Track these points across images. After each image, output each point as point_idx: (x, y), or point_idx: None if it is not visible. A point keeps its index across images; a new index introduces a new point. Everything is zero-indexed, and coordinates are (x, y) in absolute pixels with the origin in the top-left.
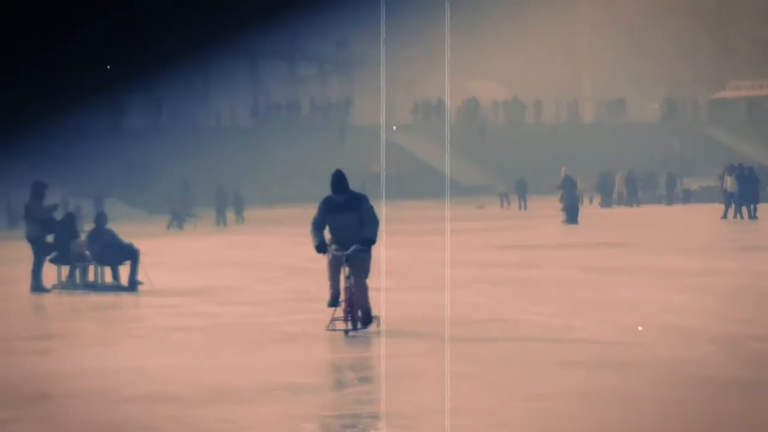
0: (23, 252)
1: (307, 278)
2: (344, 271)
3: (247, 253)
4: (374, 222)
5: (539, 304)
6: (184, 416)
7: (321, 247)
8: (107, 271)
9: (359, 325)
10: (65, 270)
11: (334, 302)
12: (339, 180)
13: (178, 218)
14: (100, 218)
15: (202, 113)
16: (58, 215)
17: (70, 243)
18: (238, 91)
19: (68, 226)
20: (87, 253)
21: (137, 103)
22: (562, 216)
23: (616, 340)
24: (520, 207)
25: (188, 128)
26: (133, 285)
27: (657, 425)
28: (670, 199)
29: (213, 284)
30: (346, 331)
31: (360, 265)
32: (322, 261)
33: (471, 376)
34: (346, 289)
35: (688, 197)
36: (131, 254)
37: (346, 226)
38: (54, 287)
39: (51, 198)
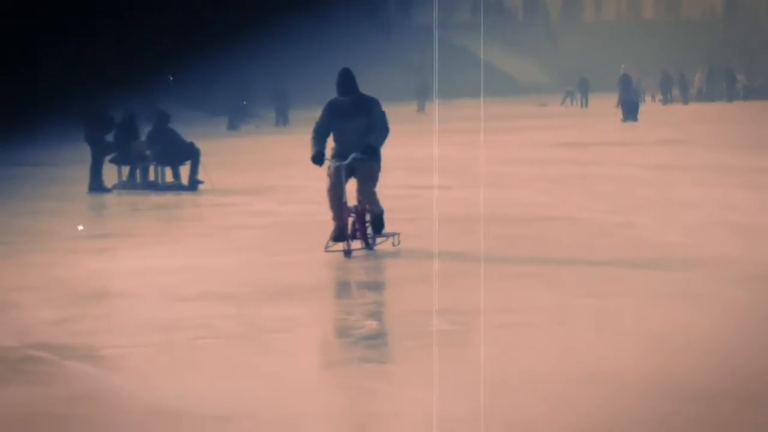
0: (82, 153)
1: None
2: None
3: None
4: (383, 129)
5: (599, 202)
6: (242, 315)
7: (318, 158)
8: (167, 171)
9: (371, 240)
10: (125, 170)
11: (339, 235)
12: (346, 79)
13: (238, 118)
14: (162, 118)
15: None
16: (118, 116)
17: (130, 143)
18: None
19: (128, 126)
20: (147, 152)
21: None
22: (620, 113)
23: (678, 238)
24: (582, 105)
25: (248, 27)
26: (193, 184)
27: (724, 324)
28: (731, 96)
29: (273, 183)
30: (347, 252)
31: (366, 174)
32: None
33: (530, 274)
34: (353, 207)
35: (749, 94)
36: (192, 153)
37: (353, 134)
38: (114, 187)
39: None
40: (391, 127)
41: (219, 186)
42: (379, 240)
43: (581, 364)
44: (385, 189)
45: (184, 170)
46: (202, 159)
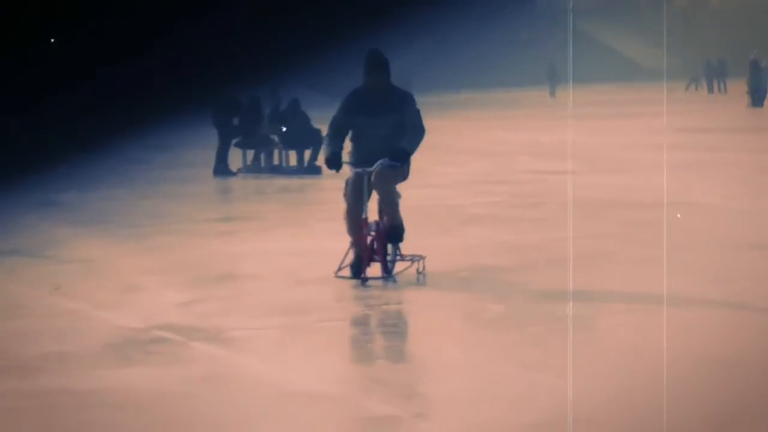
0: (211, 137)
1: (492, 161)
2: (365, 198)
3: (429, 137)
4: (418, 131)
5: (722, 187)
6: (368, 297)
7: (334, 160)
8: (292, 155)
9: (391, 264)
10: (250, 154)
11: (355, 272)
12: (376, 62)
13: None
14: (294, 103)
15: None
16: (244, 101)
17: (255, 127)
18: None
19: (254, 111)
20: (273, 137)
21: None
22: (747, 99)
23: None
24: (709, 90)
25: (368, 11)
26: (313, 168)
27: None
28: None
29: None
30: (364, 279)
31: (392, 184)
32: (505, 143)
33: (653, 258)
34: (366, 222)
35: None
36: (316, 139)
37: (379, 134)
38: (239, 171)
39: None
40: (521, 111)
41: (343, 170)
42: (398, 266)
43: (710, 348)
44: (511, 174)
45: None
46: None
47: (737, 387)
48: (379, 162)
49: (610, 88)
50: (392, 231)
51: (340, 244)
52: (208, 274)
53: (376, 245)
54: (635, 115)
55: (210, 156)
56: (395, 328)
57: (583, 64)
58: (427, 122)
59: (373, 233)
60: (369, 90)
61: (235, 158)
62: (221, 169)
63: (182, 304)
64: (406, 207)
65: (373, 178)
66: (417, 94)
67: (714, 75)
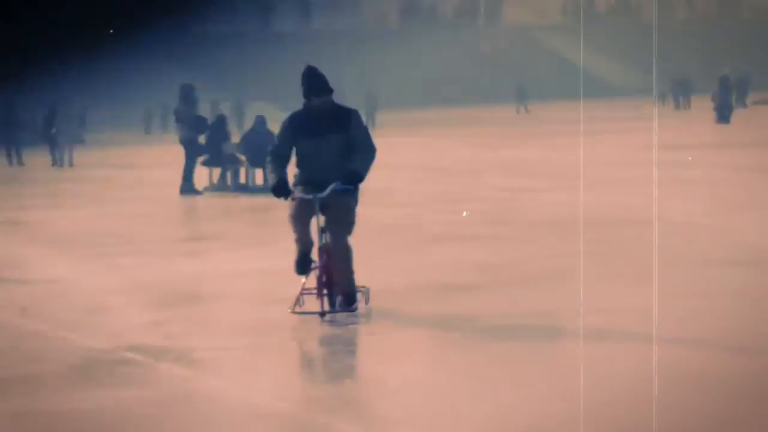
0: (176, 155)
1: (454, 179)
2: (317, 222)
3: (395, 155)
4: (368, 150)
5: (693, 204)
6: (334, 316)
7: (280, 188)
8: (258, 173)
9: (339, 305)
10: (216, 172)
11: (302, 267)
12: (315, 80)
13: None
14: (258, 121)
15: (350, 16)
16: (210, 118)
17: (222, 145)
18: None
19: (220, 129)
20: (238, 155)
21: (287, 6)
22: (713, 115)
23: None
24: (675, 106)
25: (336, 33)
26: None
27: None
28: None
29: (365, 186)
30: (321, 314)
31: (341, 215)
32: (467, 161)
33: (624, 275)
34: (321, 250)
35: None
36: None
37: (324, 156)
38: (205, 189)
39: (202, 101)
40: (491, 128)
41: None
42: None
43: (678, 364)
44: (479, 191)
45: None
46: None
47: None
48: (330, 186)
49: (577, 104)
50: (347, 298)
51: None
52: (174, 294)
53: (328, 277)
54: (603, 132)
55: (177, 174)
56: (361, 347)
57: (550, 81)
58: (395, 139)
59: (324, 266)
60: (312, 111)
61: (202, 177)
62: (187, 187)
63: (149, 324)
64: (372, 227)
65: (324, 207)
66: (386, 110)
67: (679, 91)
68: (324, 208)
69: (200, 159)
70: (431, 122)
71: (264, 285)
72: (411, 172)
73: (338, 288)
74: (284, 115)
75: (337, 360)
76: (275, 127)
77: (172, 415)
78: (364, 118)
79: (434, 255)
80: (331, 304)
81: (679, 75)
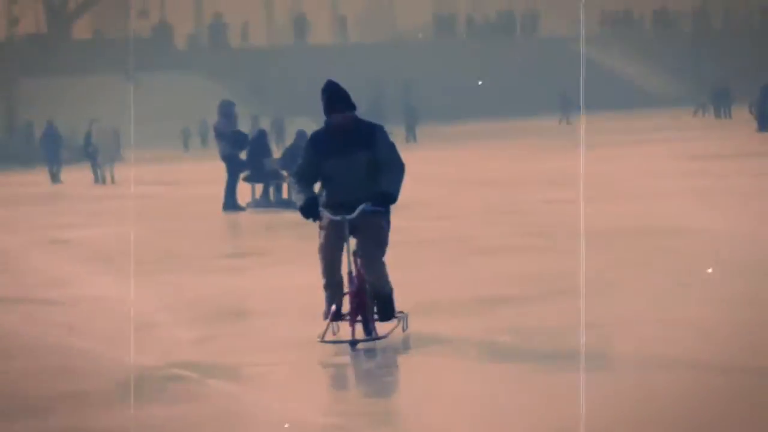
0: (217, 172)
1: (500, 192)
2: (348, 248)
3: (434, 167)
4: (397, 168)
5: (733, 213)
6: (381, 327)
7: (310, 208)
8: None
9: (374, 330)
10: (259, 188)
11: (334, 309)
12: (335, 97)
13: None
14: (300, 135)
15: (384, 26)
16: (250, 134)
17: (263, 161)
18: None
19: (261, 144)
20: (280, 170)
21: (324, 20)
22: (755, 125)
23: None
24: (716, 115)
25: (374, 46)
26: None
27: None
28: None
29: (406, 200)
30: (353, 343)
31: (372, 237)
32: (512, 168)
33: (664, 286)
34: (351, 275)
35: None
36: None
37: (350, 175)
38: (248, 205)
39: (242, 117)
40: (531, 140)
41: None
42: (382, 327)
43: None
44: (521, 203)
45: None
46: None
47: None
48: (360, 207)
49: (619, 115)
50: (383, 303)
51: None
52: (220, 310)
53: (356, 303)
54: (646, 142)
55: (219, 190)
56: (405, 360)
57: (590, 92)
58: (433, 152)
59: (355, 289)
60: (334, 128)
61: (244, 193)
62: (230, 203)
63: (195, 340)
64: (414, 240)
65: (354, 229)
66: (425, 123)
67: (719, 101)
68: (354, 231)
69: (242, 175)
70: (471, 135)
71: (309, 300)
72: (452, 184)
73: (376, 299)
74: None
75: (381, 375)
76: None
77: (220, 431)
78: (403, 132)
79: (477, 268)
80: (366, 331)
81: (719, 85)
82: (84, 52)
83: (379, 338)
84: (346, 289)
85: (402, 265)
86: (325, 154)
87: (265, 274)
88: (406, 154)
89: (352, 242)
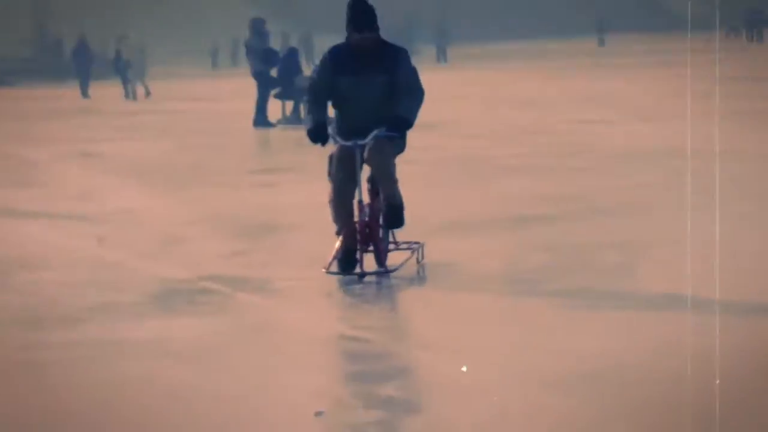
0: (248, 89)
1: (531, 112)
2: (357, 173)
3: (467, 86)
4: (416, 93)
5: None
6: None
7: (318, 132)
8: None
9: (385, 262)
10: (289, 105)
11: (346, 268)
12: (362, 12)
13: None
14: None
15: None
16: (281, 51)
17: (294, 78)
18: None
19: (291, 61)
20: None
21: None
22: None
23: None
24: (748, 39)
25: None
26: None
27: None
28: None
29: (436, 118)
30: (361, 275)
31: (386, 158)
32: (545, 89)
33: (700, 207)
34: (361, 204)
35: None
36: None
37: (366, 98)
38: (278, 122)
39: (272, 34)
40: (564, 61)
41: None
42: (392, 257)
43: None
44: (552, 123)
45: None
46: None
47: None
48: (373, 133)
49: (652, 37)
50: (392, 214)
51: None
52: (249, 225)
53: (370, 232)
54: (677, 64)
55: (249, 107)
56: (437, 279)
57: (622, 15)
58: (464, 72)
59: (367, 219)
60: (354, 47)
61: (275, 109)
62: (261, 120)
63: (225, 255)
64: (446, 158)
65: (367, 152)
66: (454, 45)
67: (754, 24)
68: (366, 158)
69: (273, 92)
70: (504, 55)
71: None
72: (483, 103)
73: (387, 205)
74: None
75: (412, 290)
76: None
77: (250, 343)
78: (434, 53)
79: (506, 186)
80: (378, 262)
81: (750, 8)
82: None
83: (389, 271)
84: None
85: (429, 184)
86: (341, 73)
87: (295, 189)
88: (436, 74)
89: (364, 172)
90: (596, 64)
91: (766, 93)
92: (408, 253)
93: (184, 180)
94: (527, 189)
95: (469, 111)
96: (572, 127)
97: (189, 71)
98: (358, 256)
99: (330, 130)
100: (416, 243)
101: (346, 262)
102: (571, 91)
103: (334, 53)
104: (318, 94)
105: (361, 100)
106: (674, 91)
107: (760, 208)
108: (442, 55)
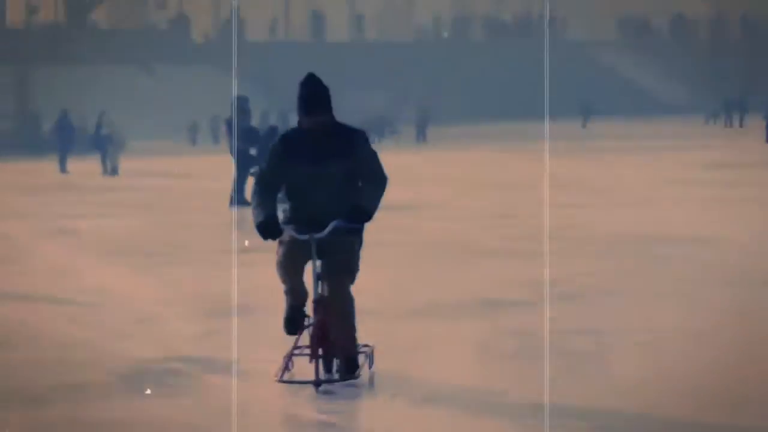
0: (225, 166)
1: (509, 194)
2: (313, 268)
3: (446, 167)
4: (377, 180)
5: (743, 223)
6: (383, 329)
7: (269, 226)
8: None
9: (336, 373)
10: None
11: (293, 325)
12: (313, 96)
13: (380, 133)
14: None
15: (402, 26)
16: (261, 129)
17: None
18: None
19: (271, 140)
20: None
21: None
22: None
23: None
24: (726, 124)
25: (389, 45)
26: None
27: None
28: None
29: (415, 199)
30: (316, 383)
31: (342, 260)
32: (519, 175)
33: (667, 294)
34: (317, 303)
35: None
36: None
37: (322, 187)
38: None
39: (254, 112)
40: (538, 144)
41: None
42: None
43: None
44: (528, 207)
45: None
46: None
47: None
48: (332, 225)
49: (630, 122)
50: (347, 364)
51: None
52: (224, 305)
53: (316, 339)
54: (655, 149)
55: (226, 185)
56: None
57: (604, 98)
58: (447, 154)
59: (312, 327)
60: (307, 131)
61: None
62: (239, 198)
63: (198, 335)
64: (416, 241)
65: (322, 251)
66: (436, 125)
67: (733, 109)
68: (321, 252)
69: (252, 170)
70: (483, 136)
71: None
72: (461, 186)
73: (338, 349)
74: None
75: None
76: None
77: (219, 426)
78: (413, 132)
79: (481, 270)
80: (328, 369)
81: (732, 94)
82: (101, 42)
83: (345, 379)
84: (309, 317)
85: (403, 265)
86: (294, 161)
87: (272, 270)
88: (415, 154)
89: (318, 263)
90: (576, 147)
91: (748, 180)
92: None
93: (160, 258)
94: (502, 273)
95: (444, 192)
96: (551, 210)
97: (169, 146)
98: (311, 362)
99: (282, 221)
100: (366, 346)
101: (293, 321)
102: (551, 173)
103: (285, 140)
104: (268, 185)
105: (317, 189)
106: (656, 175)
107: (734, 297)
108: (421, 134)
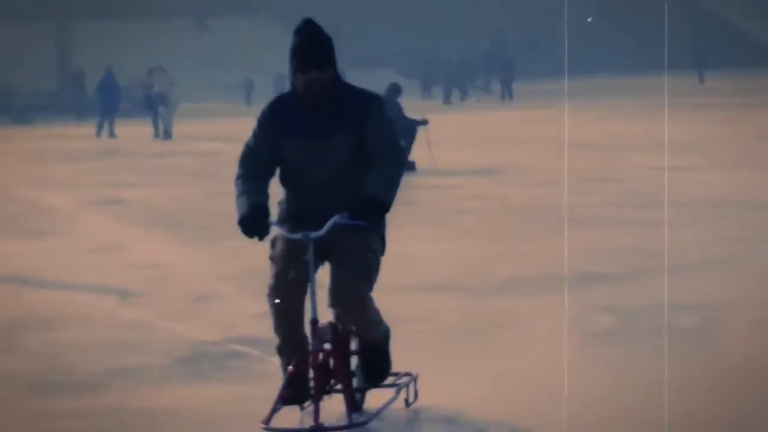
0: None
1: (603, 156)
2: (310, 280)
3: (535, 128)
4: (392, 160)
5: None
6: (464, 307)
7: (255, 219)
8: None
9: (360, 396)
10: None
11: (295, 390)
12: (308, 42)
13: (456, 91)
14: (391, 90)
15: None
16: None
17: None
18: None
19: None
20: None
21: None
22: None
23: None
24: None
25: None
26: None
27: None
28: None
29: (499, 163)
30: (317, 429)
31: (354, 259)
32: (619, 136)
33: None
34: (315, 325)
35: None
36: (409, 132)
37: (323, 170)
38: None
39: None
40: (637, 100)
41: (440, 166)
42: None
43: None
44: (625, 170)
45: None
46: (425, 135)
47: None
48: (331, 222)
49: (742, 75)
50: (374, 355)
51: (433, 248)
52: None
53: (335, 364)
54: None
55: None
56: (496, 339)
57: (716, 51)
58: (531, 112)
59: (328, 345)
60: (305, 95)
61: None
62: None
63: (260, 314)
64: (507, 208)
65: (326, 252)
66: (521, 81)
67: None
68: (325, 256)
69: None
70: (575, 93)
71: (389, 271)
72: (552, 147)
73: (363, 341)
74: (407, 82)
75: (471, 354)
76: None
77: (282, 413)
78: (497, 89)
79: (572, 240)
80: (352, 403)
81: None
82: None
83: (359, 425)
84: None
85: (487, 237)
86: (287, 134)
87: None
88: (500, 112)
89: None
90: (671, 105)
91: None
92: (391, 391)
93: (215, 231)
94: (596, 243)
95: (535, 155)
96: (647, 173)
97: (222, 107)
98: (312, 404)
99: (273, 216)
100: (407, 375)
101: (295, 393)
102: (649, 133)
103: (276, 107)
104: (254, 166)
105: (315, 171)
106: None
107: None
108: (507, 91)
